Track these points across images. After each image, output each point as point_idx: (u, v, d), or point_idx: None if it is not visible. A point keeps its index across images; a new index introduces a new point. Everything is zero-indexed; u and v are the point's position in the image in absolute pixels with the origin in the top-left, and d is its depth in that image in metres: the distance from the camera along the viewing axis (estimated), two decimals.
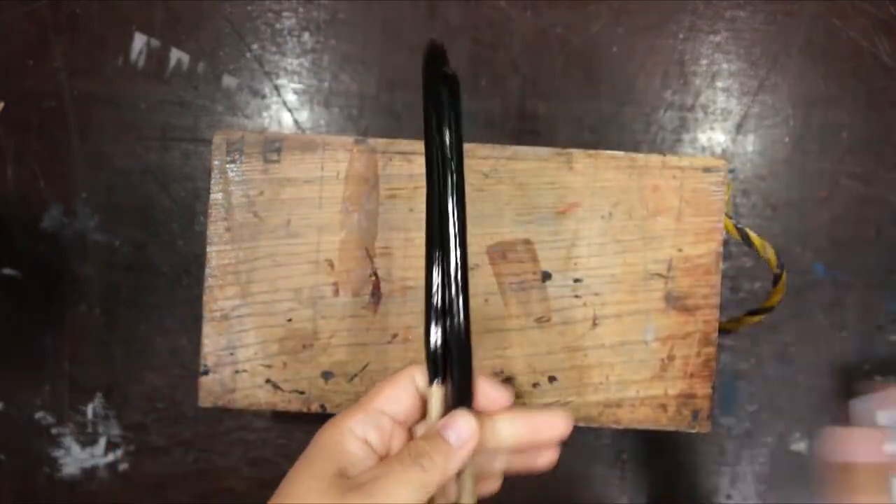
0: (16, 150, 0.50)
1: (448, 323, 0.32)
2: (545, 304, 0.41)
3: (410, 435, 0.33)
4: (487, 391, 0.33)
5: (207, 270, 0.40)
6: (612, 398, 0.41)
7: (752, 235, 0.42)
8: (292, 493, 0.30)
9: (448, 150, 0.33)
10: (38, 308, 0.50)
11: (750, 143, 0.51)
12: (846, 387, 0.50)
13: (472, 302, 0.41)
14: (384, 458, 0.31)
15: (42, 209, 0.50)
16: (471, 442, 0.31)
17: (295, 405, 0.41)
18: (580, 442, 0.50)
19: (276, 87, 0.51)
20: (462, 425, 0.31)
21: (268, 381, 0.42)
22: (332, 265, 0.41)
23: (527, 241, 0.41)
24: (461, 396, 0.32)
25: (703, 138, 0.51)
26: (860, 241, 0.50)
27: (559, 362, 0.41)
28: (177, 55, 0.50)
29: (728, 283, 0.50)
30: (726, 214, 0.41)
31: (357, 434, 0.31)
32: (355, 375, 0.41)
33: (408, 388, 0.32)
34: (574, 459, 0.50)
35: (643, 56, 0.51)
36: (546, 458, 0.34)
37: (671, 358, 0.41)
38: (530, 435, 0.33)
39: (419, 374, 0.32)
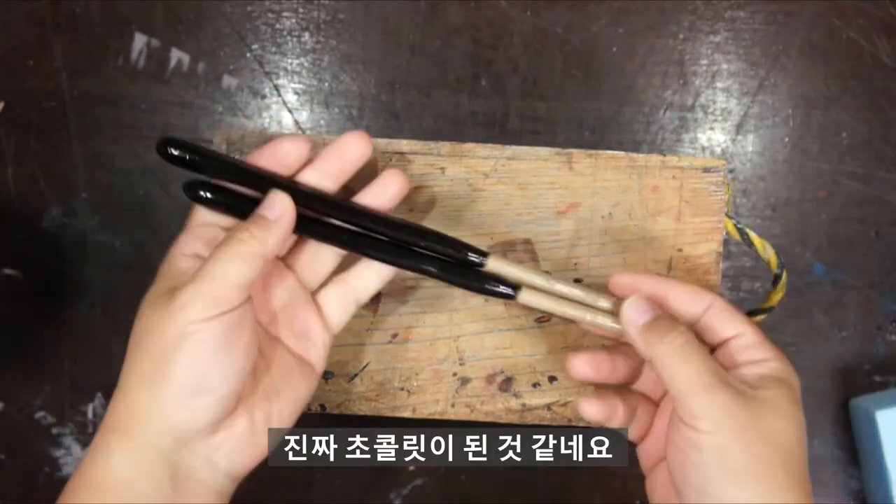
0: (16, 150, 0.50)
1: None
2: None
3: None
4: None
5: None
6: None
7: (752, 235, 0.42)
8: (140, 327, 0.31)
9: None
10: (38, 308, 0.50)
11: (750, 143, 0.51)
12: (846, 387, 0.50)
13: (473, 301, 0.41)
14: None
15: (42, 209, 0.50)
16: (287, 214, 0.33)
17: None
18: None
19: (277, 88, 0.51)
20: (275, 200, 0.33)
21: None
22: None
23: (527, 241, 0.41)
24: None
25: (702, 138, 0.51)
26: (860, 241, 0.50)
27: (559, 362, 0.41)
28: (177, 55, 0.50)
29: (728, 283, 0.50)
30: (726, 214, 0.41)
31: (185, 252, 0.33)
32: (355, 375, 0.41)
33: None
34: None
35: (643, 56, 0.51)
36: None
37: None
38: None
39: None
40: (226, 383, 0.31)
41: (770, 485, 0.30)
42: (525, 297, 0.36)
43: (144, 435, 0.30)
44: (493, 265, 0.36)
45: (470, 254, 0.36)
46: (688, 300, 0.35)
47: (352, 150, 0.35)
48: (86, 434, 0.49)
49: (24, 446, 0.50)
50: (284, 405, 0.34)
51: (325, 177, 0.35)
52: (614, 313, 0.36)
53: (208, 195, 0.34)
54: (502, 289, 0.36)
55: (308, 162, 0.35)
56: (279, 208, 0.33)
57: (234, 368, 0.31)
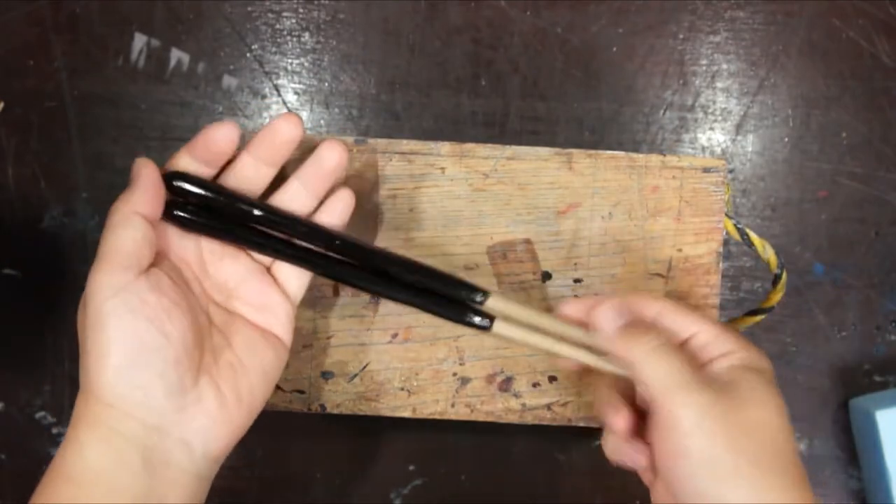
0: (16, 150, 0.50)
1: None
2: (545, 304, 0.41)
3: None
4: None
5: None
6: None
7: (752, 235, 0.42)
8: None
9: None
10: (38, 308, 0.50)
11: (750, 143, 0.51)
12: (846, 387, 0.50)
13: None
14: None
15: (42, 209, 0.50)
16: (143, 170, 0.33)
17: (295, 405, 0.41)
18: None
19: (277, 88, 0.51)
20: (136, 165, 0.33)
21: None
22: None
23: (527, 241, 0.41)
24: None
25: (702, 138, 0.51)
26: (860, 241, 0.50)
27: (559, 362, 0.41)
28: (177, 55, 0.50)
29: (728, 283, 0.50)
30: (726, 214, 0.41)
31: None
32: (355, 375, 0.41)
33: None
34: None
35: (643, 56, 0.51)
36: None
37: None
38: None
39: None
40: (162, 352, 0.31)
41: (764, 481, 0.30)
42: (499, 328, 0.35)
43: (108, 422, 0.30)
44: (493, 305, 0.35)
45: (470, 293, 0.35)
46: (639, 309, 0.35)
47: (283, 133, 0.35)
48: None
49: (24, 446, 0.50)
50: (253, 378, 0.34)
51: (261, 162, 0.35)
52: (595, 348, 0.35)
53: (185, 216, 0.34)
54: (477, 320, 0.35)
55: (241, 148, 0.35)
56: (135, 168, 0.33)
57: (163, 334, 0.31)
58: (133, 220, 0.32)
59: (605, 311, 0.34)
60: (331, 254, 0.36)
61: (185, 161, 0.35)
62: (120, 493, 0.30)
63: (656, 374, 0.32)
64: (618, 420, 0.34)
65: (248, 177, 0.36)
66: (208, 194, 0.34)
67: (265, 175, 0.36)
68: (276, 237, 0.36)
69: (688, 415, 0.30)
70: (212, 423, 0.32)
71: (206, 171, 0.35)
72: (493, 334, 0.35)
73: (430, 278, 0.36)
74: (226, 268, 0.36)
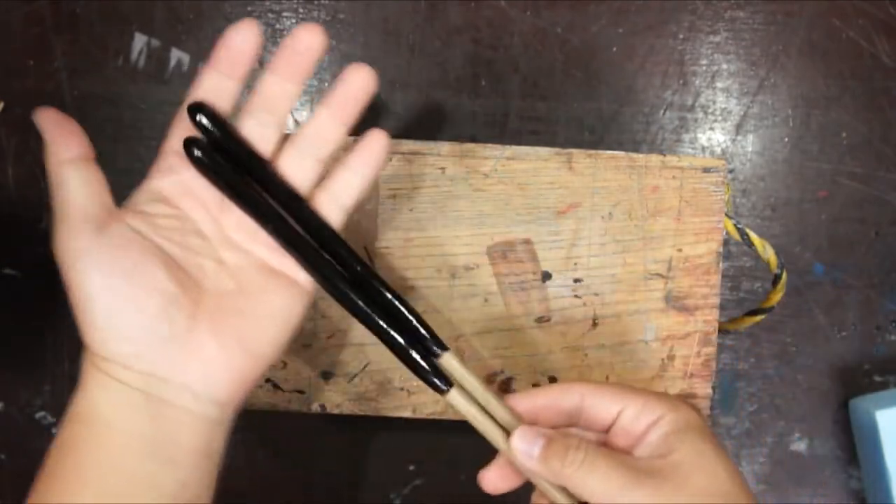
0: (16, 150, 0.50)
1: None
2: (545, 304, 0.41)
3: None
4: None
5: None
6: None
7: (752, 235, 0.42)
8: None
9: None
10: (38, 308, 0.50)
11: (750, 144, 0.51)
12: (846, 387, 0.50)
13: (473, 301, 0.41)
14: None
15: (42, 209, 0.50)
16: (47, 114, 0.33)
17: (295, 405, 0.41)
18: None
19: None
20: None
21: (268, 380, 0.42)
22: None
23: (527, 241, 0.41)
24: None
25: (702, 138, 0.51)
26: (860, 241, 0.50)
27: (559, 362, 0.41)
28: (177, 55, 0.50)
29: (728, 283, 0.50)
30: (726, 214, 0.41)
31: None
32: (355, 375, 0.41)
33: None
34: None
35: (643, 56, 0.51)
36: None
37: (671, 358, 0.42)
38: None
39: None
40: (140, 306, 0.31)
41: None
42: (453, 397, 0.34)
43: (108, 372, 0.31)
44: (446, 362, 0.34)
45: (430, 342, 0.34)
46: (558, 400, 0.34)
47: (303, 42, 0.33)
48: None
49: (24, 446, 0.50)
50: (263, 323, 0.33)
51: (285, 80, 0.34)
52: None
53: (203, 156, 0.33)
54: (436, 381, 0.34)
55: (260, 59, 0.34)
56: (37, 121, 0.33)
57: (140, 288, 0.31)
58: (64, 174, 0.32)
59: (521, 438, 0.33)
60: (317, 245, 0.34)
61: (210, 77, 0.34)
62: (129, 433, 0.31)
63: (592, 486, 0.31)
64: None
65: (274, 95, 0.34)
66: (220, 134, 0.33)
67: (290, 93, 0.34)
68: (273, 209, 0.34)
69: None
70: (213, 368, 0.32)
71: (232, 86, 0.33)
72: (447, 400, 0.34)
73: (403, 308, 0.34)
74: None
